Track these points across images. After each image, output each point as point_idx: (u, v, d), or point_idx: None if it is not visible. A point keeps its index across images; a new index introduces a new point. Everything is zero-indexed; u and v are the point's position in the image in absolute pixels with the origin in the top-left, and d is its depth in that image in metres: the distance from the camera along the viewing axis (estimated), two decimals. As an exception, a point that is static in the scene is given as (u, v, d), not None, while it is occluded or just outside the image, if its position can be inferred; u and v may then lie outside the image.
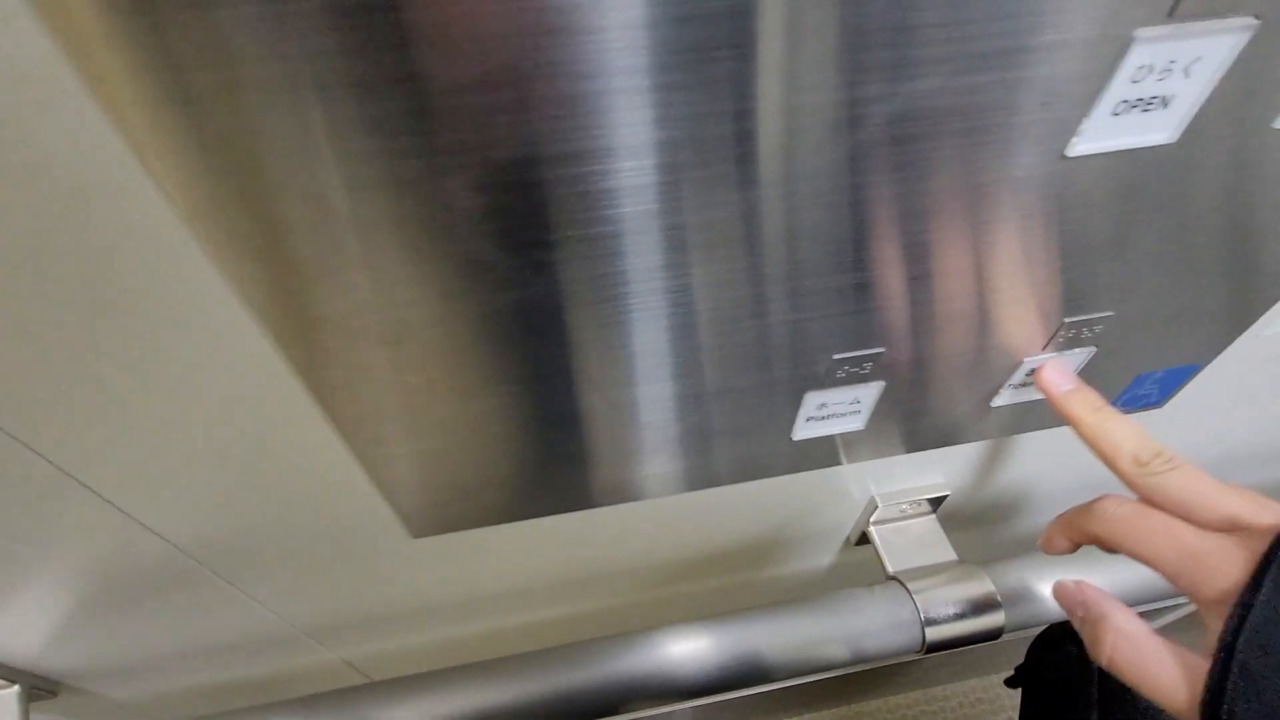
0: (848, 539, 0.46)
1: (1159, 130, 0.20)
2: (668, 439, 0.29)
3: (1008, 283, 0.25)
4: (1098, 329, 0.29)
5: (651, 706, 0.35)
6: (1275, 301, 0.30)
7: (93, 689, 0.42)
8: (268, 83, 0.15)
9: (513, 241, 0.19)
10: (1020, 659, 0.43)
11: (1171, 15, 0.17)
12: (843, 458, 0.35)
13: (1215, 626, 0.22)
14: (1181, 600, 0.29)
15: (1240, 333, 0.32)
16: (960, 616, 0.37)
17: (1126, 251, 0.25)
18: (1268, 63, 0.19)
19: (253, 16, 0.14)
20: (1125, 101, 0.19)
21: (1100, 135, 0.20)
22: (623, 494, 0.33)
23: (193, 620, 0.38)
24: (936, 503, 0.42)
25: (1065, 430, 0.38)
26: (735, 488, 0.37)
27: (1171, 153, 0.21)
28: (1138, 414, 0.37)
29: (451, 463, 0.28)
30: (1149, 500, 0.25)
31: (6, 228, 0.17)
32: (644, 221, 0.20)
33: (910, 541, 0.41)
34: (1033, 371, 0.31)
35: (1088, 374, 0.32)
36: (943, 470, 0.41)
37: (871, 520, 0.42)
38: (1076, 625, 0.27)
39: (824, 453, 0.34)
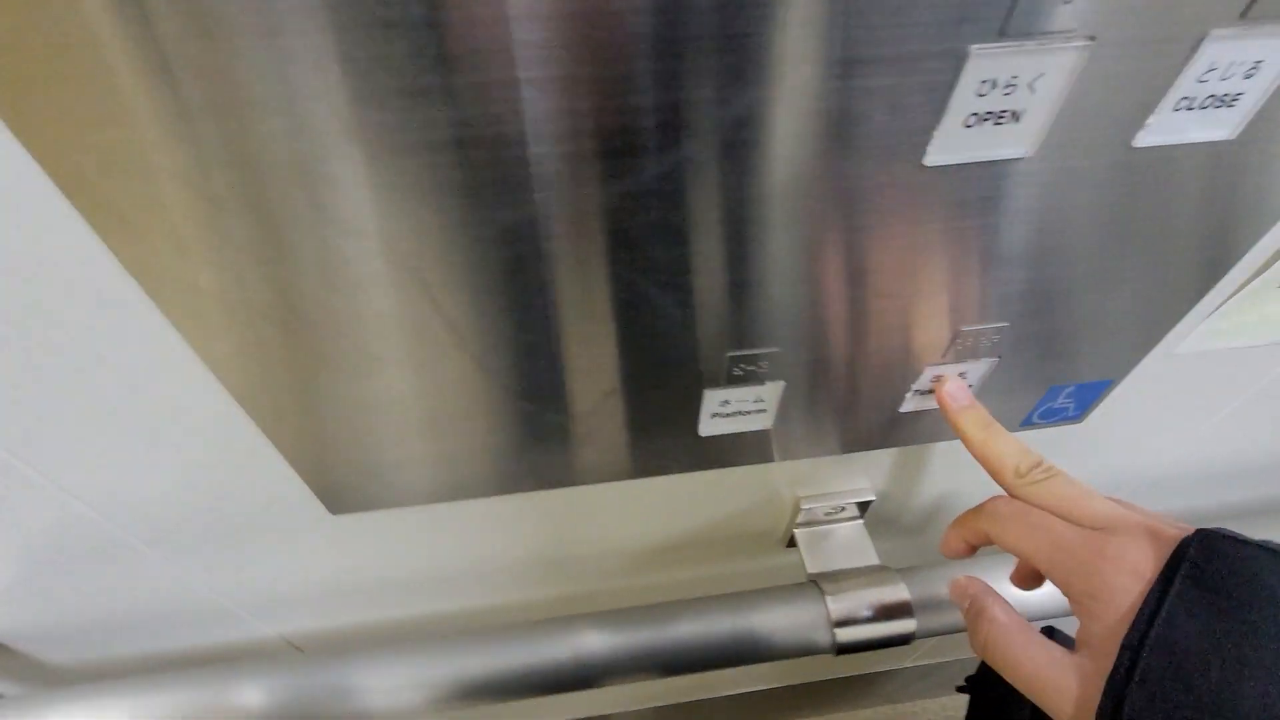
0: (780, 540, 0.46)
1: (1013, 144, 0.21)
2: (571, 427, 0.30)
3: (893, 289, 0.26)
4: (995, 339, 0.30)
5: (560, 691, 0.36)
6: (1177, 319, 0.31)
7: (31, 652, 0.43)
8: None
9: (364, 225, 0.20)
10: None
11: (1002, 35, 0.18)
12: (759, 457, 0.36)
13: (1087, 623, 0.22)
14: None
15: (1148, 350, 0.33)
16: (872, 620, 0.37)
17: (1008, 263, 0.26)
18: (1114, 83, 0.20)
19: None
20: (975, 115, 0.20)
21: (953, 147, 0.21)
22: (539, 482, 0.34)
23: (125, 590, 0.39)
24: (864, 507, 0.42)
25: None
26: (661, 483, 0.38)
27: (1029, 166, 0.22)
28: (1057, 428, 0.38)
29: (359, 441, 0.29)
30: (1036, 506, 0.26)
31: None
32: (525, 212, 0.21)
33: (835, 545, 0.42)
34: (936, 378, 0.31)
35: (994, 383, 0.32)
36: (868, 476, 0.41)
37: (797, 523, 0.42)
38: (963, 617, 0.28)
39: (739, 451, 0.35)
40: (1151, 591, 0.21)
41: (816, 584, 0.39)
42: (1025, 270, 0.27)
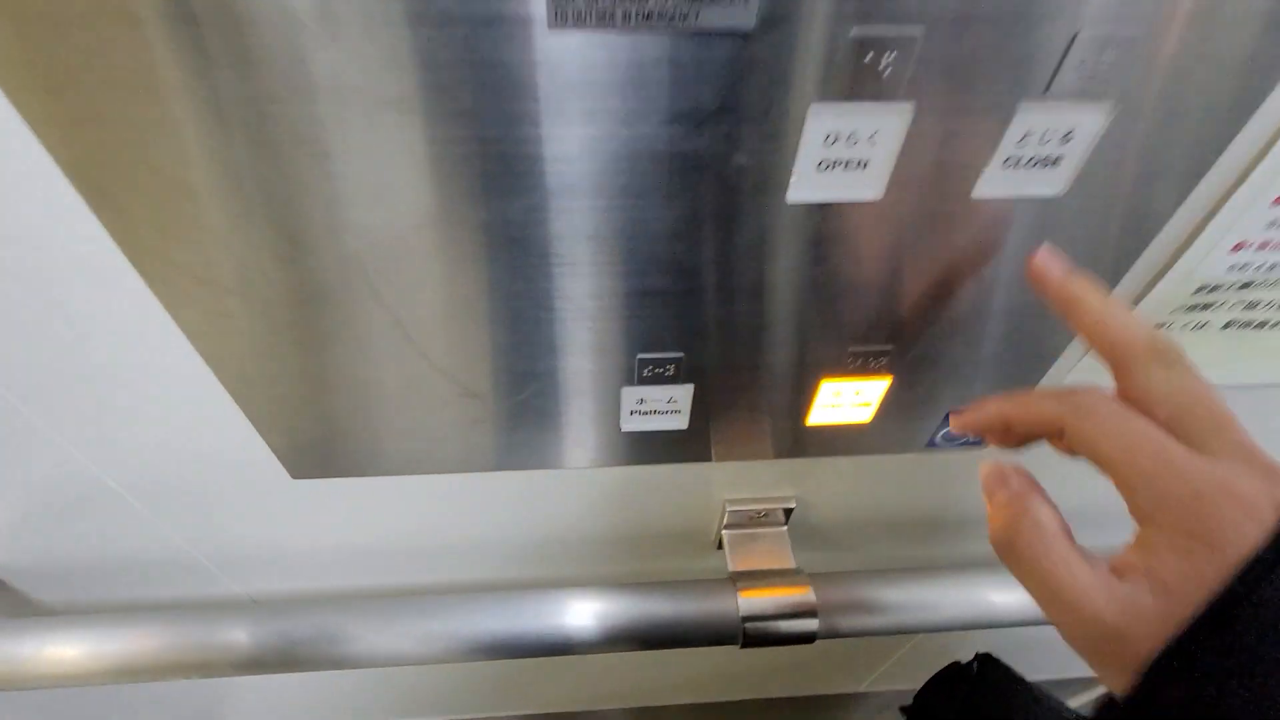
0: (712, 542, 0.49)
1: (864, 188, 0.25)
2: (501, 414, 0.34)
3: (778, 310, 0.30)
4: (884, 361, 0.33)
5: (467, 660, 0.39)
6: (1057, 354, 0.34)
7: (26, 589, 0.47)
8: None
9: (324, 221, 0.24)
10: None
11: (844, 95, 0.22)
12: (683, 457, 0.39)
13: (1171, 560, 0.19)
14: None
15: (1038, 379, 0.36)
16: (777, 618, 0.40)
17: (881, 293, 0.29)
18: (948, 140, 0.24)
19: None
20: (825, 161, 0.24)
21: (810, 187, 0.24)
22: (478, 464, 0.38)
23: (112, 537, 0.43)
24: (789, 514, 0.45)
25: (908, 459, 0.42)
26: (598, 474, 0.42)
27: (881, 208, 0.25)
28: (964, 452, 0.41)
29: (318, 411, 0.33)
30: (1147, 404, 0.21)
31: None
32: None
33: (757, 547, 0.45)
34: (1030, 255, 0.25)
35: (891, 404, 0.35)
36: (791, 484, 0.44)
37: (725, 524, 0.45)
38: (991, 509, 0.23)
39: (663, 449, 0.38)
40: (1273, 542, 0.18)
41: (733, 582, 0.42)
42: (899, 300, 0.30)
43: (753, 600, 0.40)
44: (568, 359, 0.32)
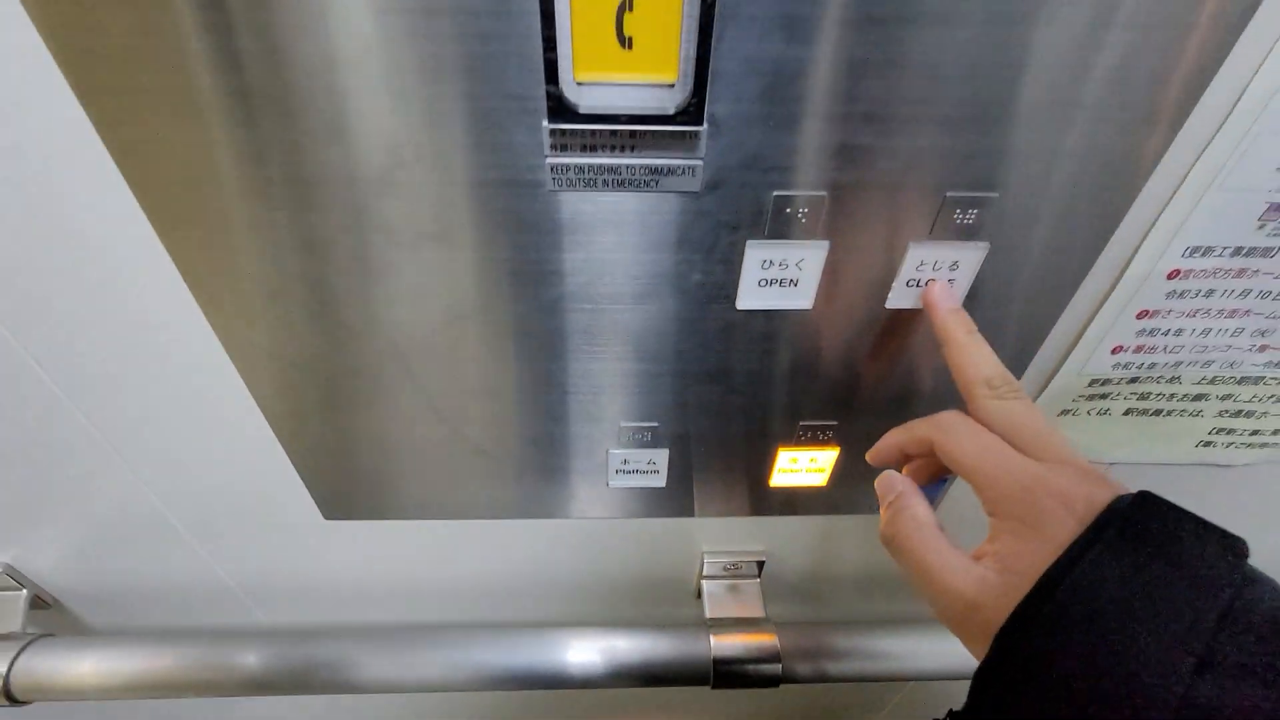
0: (693, 592, 0.54)
1: (797, 299, 0.31)
2: (508, 468, 0.40)
3: (735, 387, 0.36)
4: (831, 434, 0.39)
5: (464, 689, 0.44)
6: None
7: (77, 611, 0.53)
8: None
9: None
10: None
11: (772, 235, 0.29)
12: (664, 512, 0.45)
13: (1011, 545, 0.23)
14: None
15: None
16: (745, 661, 0.45)
17: (820, 379, 0.35)
18: (861, 262, 0.30)
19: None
20: (763, 280, 0.30)
21: (754, 298, 0.31)
22: (488, 511, 0.44)
23: (159, 564, 0.49)
24: (760, 566, 0.50)
25: (868, 519, 0.47)
26: (590, 525, 0.47)
27: (814, 315, 0.32)
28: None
29: (352, 460, 0.40)
30: (987, 424, 0.26)
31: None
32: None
33: (732, 597, 0.50)
34: (929, 281, 0.30)
35: (843, 471, 0.41)
36: (763, 539, 0.49)
37: (703, 575, 0.50)
38: (882, 510, 0.28)
39: (646, 504, 0.44)
40: (1086, 531, 0.21)
41: (707, 627, 0.46)
42: (838, 384, 0.36)
43: (723, 644, 0.45)
44: (565, 425, 0.38)
